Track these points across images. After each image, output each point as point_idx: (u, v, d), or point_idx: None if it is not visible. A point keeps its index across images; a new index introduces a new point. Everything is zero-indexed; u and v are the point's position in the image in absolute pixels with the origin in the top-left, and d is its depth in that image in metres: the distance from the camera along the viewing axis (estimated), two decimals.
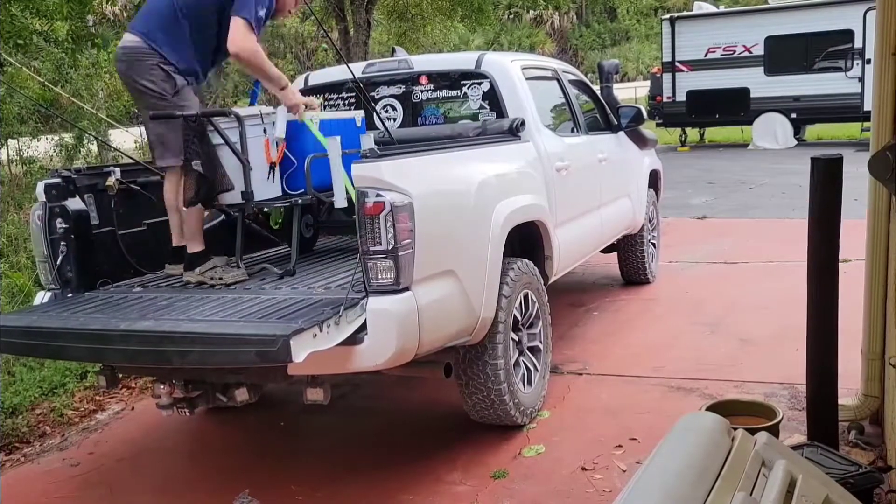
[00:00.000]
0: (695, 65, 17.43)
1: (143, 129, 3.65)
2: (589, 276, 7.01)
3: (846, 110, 15.90)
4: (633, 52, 42.80)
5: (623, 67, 37.84)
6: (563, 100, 5.29)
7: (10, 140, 11.63)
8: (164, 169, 3.72)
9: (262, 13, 3.53)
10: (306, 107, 3.64)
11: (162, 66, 3.55)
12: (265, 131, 3.65)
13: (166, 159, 3.65)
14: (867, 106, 13.50)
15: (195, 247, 3.70)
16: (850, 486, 2.44)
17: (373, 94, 4.83)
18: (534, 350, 4.10)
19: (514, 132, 4.33)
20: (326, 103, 4.98)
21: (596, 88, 6.12)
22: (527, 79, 4.70)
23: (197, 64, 3.69)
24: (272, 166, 3.64)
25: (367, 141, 4.08)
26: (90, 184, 3.75)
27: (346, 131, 4.01)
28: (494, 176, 3.83)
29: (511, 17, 36.81)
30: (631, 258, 6.45)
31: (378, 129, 4.26)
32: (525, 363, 4.00)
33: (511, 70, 4.64)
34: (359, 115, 4.19)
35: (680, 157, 17.14)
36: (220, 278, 3.61)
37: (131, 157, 5.18)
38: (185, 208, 3.64)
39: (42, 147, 13.94)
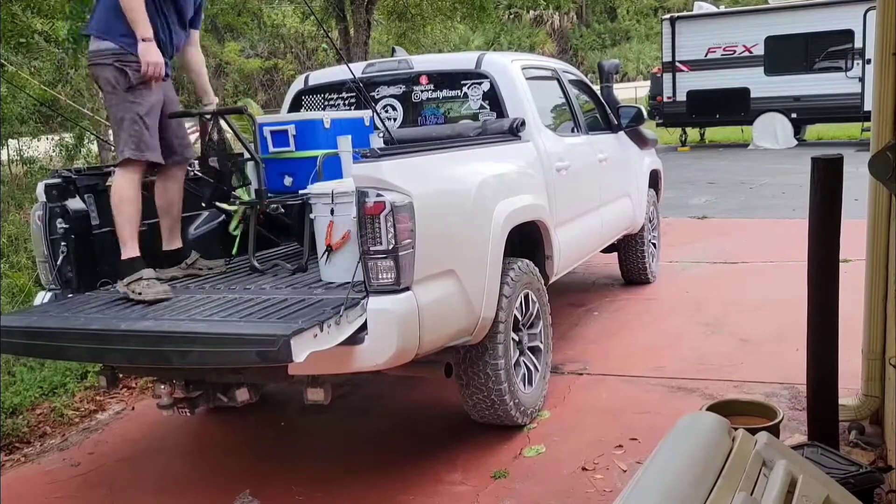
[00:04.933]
0: (695, 65, 17.43)
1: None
2: (589, 276, 7.01)
3: (846, 110, 15.91)
4: (633, 52, 42.75)
5: (623, 67, 37.80)
6: (564, 100, 5.29)
7: (10, 140, 11.64)
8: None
9: None
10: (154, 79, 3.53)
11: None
12: (332, 212, 3.41)
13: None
14: (867, 106, 13.50)
15: (130, 252, 3.55)
16: (851, 486, 2.43)
17: (373, 94, 4.83)
18: (534, 350, 4.10)
19: (514, 132, 4.33)
20: (327, 103, 4.98)
21: (596, 88, 6.12)
22: (527, 79, 4.70)
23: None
24: (328, 249, 3.40)
25: (376, 141, 4.09)
26: (90, 184, 3.75)
27: (356, 131, 4.04)
28: (495, 176, 3.83)
29: (511, 17, 36.81)
30: (631, 258, 6.45)
31: (379, 129, 4.27)
32: (525, 363, 4.00)
33: (511, 70, 4.64)
34: (367, 114, 4.21)
35: (680, 156, 17.14)
36: (140, 293, 3.38)
37: None
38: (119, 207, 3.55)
39: (42, 147, 13.95)
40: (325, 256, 3.39)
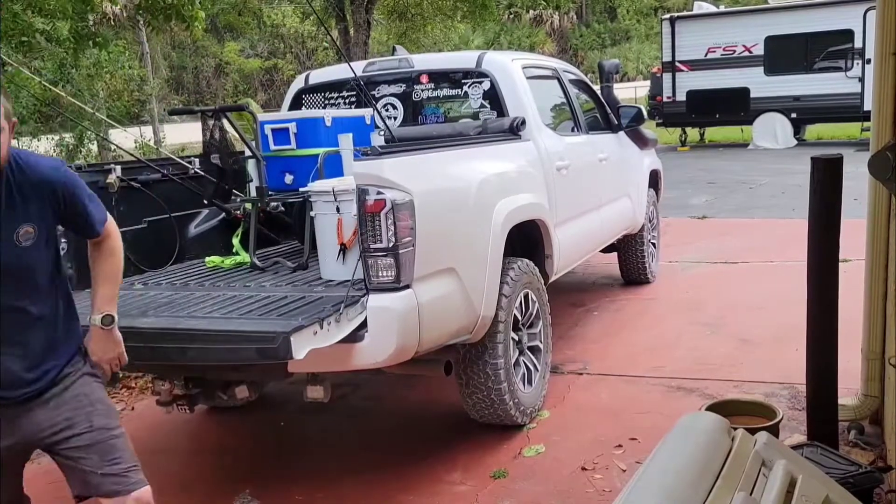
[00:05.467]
0: (695, 64, 17.44)
1: (142, 128, 3.36)
2: (589, 276, 7.01)
3: (846, 110, 15.91)
4: (633, 51, 42.79)
5: (623, 67, 37.83)
6: (564, 99, 5.29)
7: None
8: None
9: None
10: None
11: None
12: (338, 209, 3.39)
13: None
14: (867, 106, 13.50)
15: None
16: (850, 485, 2.43)
17: (373, 92, 4.83)
18: (534, 350, 4.09)
19: (514, 131, 4.33)
20: (327, 102, 4.99)
21: (596, 88, 6.12)
22: (527, 78, 4.70)
23: None
24: (343, 247, 3.39)
25: (377, 139, 4.10)
26: (91, 181, 3.73)
27: (357, 129, 4.04)
28: (495, 174, 3.83)
29: (511, 16, 36.82)
30: (631, 258, 6.45)
31: (380, 127, 4.28)
32: (525, 363, 4.00)
33: (512, 69, 4.64)
34: (368, 113, 4.21)
35: (680, 156, 17.14)
36: None
37: (133, 155, 5.20)
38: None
39: (42, 147, 13.98)
40: (340, 255, 3.39)
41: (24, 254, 2.10)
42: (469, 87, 4.69)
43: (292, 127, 3.93)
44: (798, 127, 17.29)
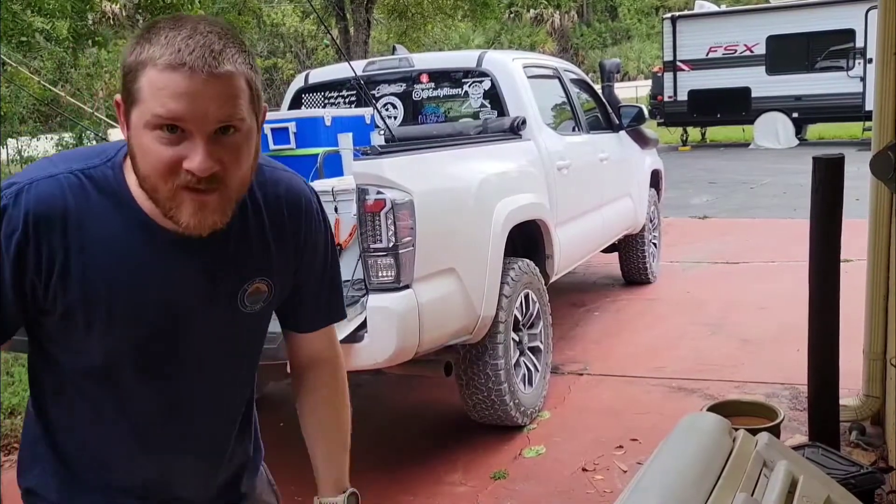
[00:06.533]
0: (696, 64, 17.44)
1: None
2: (590, 276, 7.00)
3: (848, 110, 15.91)
4: (634, 51, 42.77)
5: (624, 66, 37.82)
6: (565, 99, 5.28)
7: (10, 140, 11.67)
8: None
9: None
10: None
11: None
12: (336, 209, 3.32)
13: None
14: (869, 105, 13.46)
15: None
16: (852, 486, 2.42)
17: (373, 92, 4.82)
18: (534, 350, 4.09)
19: (515, 131, 4.32)
20: (327, 101, 4.98)
21: (597, 87, 6.12)
22: (528, 77, 4.69)
23: None
24: (339, 248, 3.35)
25: (377, 139, 4.09)
26: None
27: (357, 128, 4.03)
28: (495, 174, 3.82)
29: (511, 16, 36.84)
30: (632, 258, 6.45)
31: (380, 126, 4.27)
32: (525, 363, 4.00)
33: (512, 68, 4.63)
34: (368, 112, 4.21)
35: (681, 156, 17.14)
36: None
37: None
38: None
39: (42, 147, 14.00)
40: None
41: (247, 322, 1.32)
42: (469, 86, 4.68)
43: (292, 126, 3.92)
44: (800, 127, 17.30)
